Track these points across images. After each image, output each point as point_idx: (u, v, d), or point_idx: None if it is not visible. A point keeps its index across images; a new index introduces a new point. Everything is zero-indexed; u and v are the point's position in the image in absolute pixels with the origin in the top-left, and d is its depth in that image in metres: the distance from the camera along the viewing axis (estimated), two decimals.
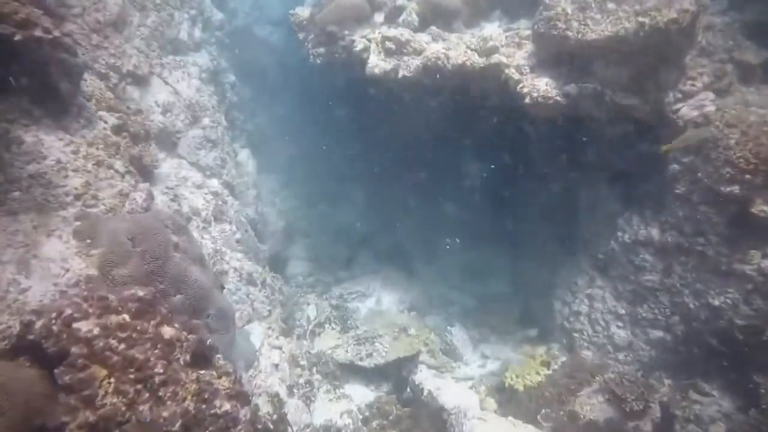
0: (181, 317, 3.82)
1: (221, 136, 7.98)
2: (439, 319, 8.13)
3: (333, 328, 7.35)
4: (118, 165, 5.36)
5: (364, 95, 7.48)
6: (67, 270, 4.01)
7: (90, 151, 5.09)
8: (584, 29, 4.95)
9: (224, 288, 5.67)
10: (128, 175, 5.48)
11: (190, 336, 3.61)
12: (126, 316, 3.20)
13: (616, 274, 6.38)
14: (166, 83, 7.29)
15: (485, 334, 7.87)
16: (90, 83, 5.73)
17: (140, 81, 6.85)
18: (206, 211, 6.62)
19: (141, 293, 3.45)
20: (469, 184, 9.04)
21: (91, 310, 3.08)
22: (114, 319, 3.13)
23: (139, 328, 3.19)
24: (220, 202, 7.10)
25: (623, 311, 6.19)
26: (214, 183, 7.28)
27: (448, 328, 7.30)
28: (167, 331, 3.39)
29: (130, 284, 4.10)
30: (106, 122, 5.54)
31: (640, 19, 4.65)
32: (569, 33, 5.03)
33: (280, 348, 5.55)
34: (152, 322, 3.34)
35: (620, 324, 6.20)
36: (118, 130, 5.64)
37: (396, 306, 7.95)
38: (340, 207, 10.49)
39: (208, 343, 3.78)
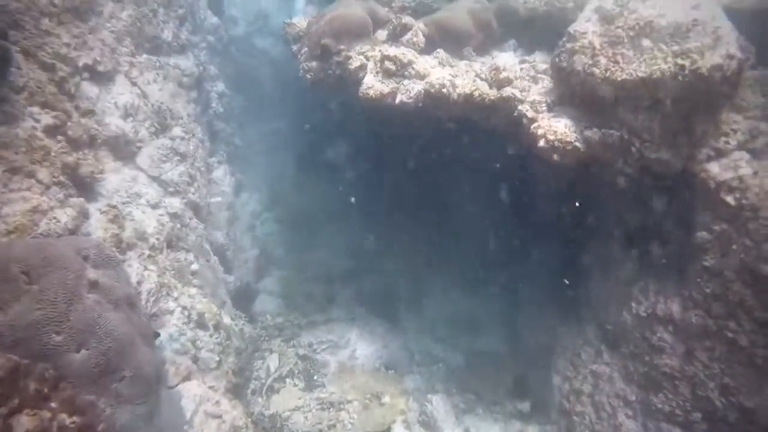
0: (65, 392, 2.87)
1: (193, 149, 7.10)
2: (421, 380, 7.13)
3: (296, 385, 6.35)
4: (42, 174, 4.46)
5: (355, 120, 6.72)
6: None
7: (2, 153, 4.19)
8: (614, 67, 4.13)
9: (158, 336, 4.71)
10: (56, 187, 4.58)
11: (71, 422, 2.65)
12: None
13: (627, 351, 5.44)
14: (134, 84, 6.44)
15: (471, 403, 6.86)
16: (27, 73, 4.85)
17: (100, 78, 5.98)
18: (158, 236, 5.67)
19: None
20: (465, 226, 8.17)
21: None
22: None
23: None
24: (178, 226, 6.18)
25: (634, 397, 5.23)
26: (176, 202, 6.36)
27: (429, 396, 6.30)
28: (24, 423, 2.44)
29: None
30: (37, 120, 4.67)
31: (680, 61, 3.84)
32: (596, 70, 4.21)
33: (219, 417, 4.55)
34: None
35: (629, 413, 5.23)
36: (51, 131, 4.77)
37: (372, 361, 6.96)
38: (326, 237, 9.55)
39: (100, 429, 2.82)
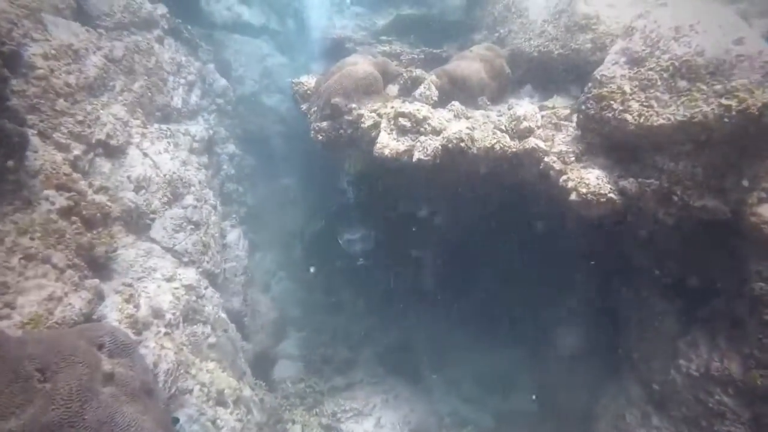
0: None
1: (206, 216, 6.95)
2: None
3: None
4: (57, 258, 4.28)
5: (369, 179, 6.59)
6: None
7: (19, 240, 4.03)
8: (648, 112, 3.93)
9: (177, 421, 4.41)
10: (71, 270, 4.40)
11: None
12: None
13: (679, 415, 5.01)
14: (146, 155, 6.37)
15: None
16: (42, 155, 4.77)
17: (113, 152, 5.92)
18: (173, 312, 5.44)
19: None
20: (489, 276, 7.85)
21: None
22: None
23: None
24: (194, 298, 5.95)
25: None
26: (191, 273, 6.16)
27: None
28: None
29: None
30: (52, 203, 4.53)
31: (725, 101, 3.62)
32: (628, 116, 4.02)
33: None
34: None
35: None
36: (66, 213, 4.62)
37: (399, 428, 6.55)
38: (341, 295, 9.23)
39: None
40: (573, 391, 6.73)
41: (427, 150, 5.14)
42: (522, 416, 7.36)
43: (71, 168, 5.10)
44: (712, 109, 3.65)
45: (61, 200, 4.60)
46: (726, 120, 3.60)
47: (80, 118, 5.47)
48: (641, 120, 3.92)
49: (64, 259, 4.39)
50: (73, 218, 4.68)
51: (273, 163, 11.50)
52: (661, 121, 3.84)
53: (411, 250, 7.37)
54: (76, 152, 5.27)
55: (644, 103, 3.95)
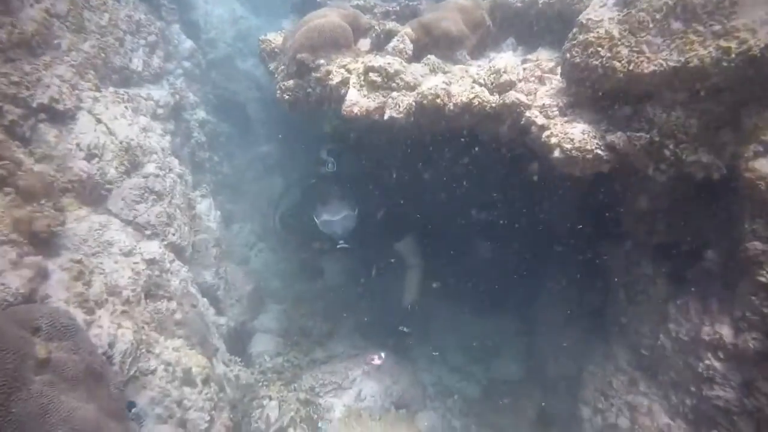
0: None
1: (170, 185, 6.51)
2: (435, 417, 6.50)
3: None
4: None
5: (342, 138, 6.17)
6: None
7: None
8: (638, 59, 3.53)
9: (133, 406, 4.10)
10: (6, 246, 3.99)
11: None
12: None
13: (668, 380, 4.80)
14: (99, 121, 5.87)
15: None
16: None
17: (60, 118, 5.42)
18: (133, 288, 5.07)
19: None
20: (473, 242, 7.56)
21: None
22: None
23: None
24: (157, 273, 5.57)
25: None
26: (153, 247, 5.76)
27: None
28: None
29: None
30: None
31: (723, 43, 3.22)
32: (616, 63, 3.61)
33: None
34: None
35: None
36: None
37: (381, 401, 6.30)
38: (324, 263, 8.89)
39: None
40: (560, 359, 6.54)
41: (399, 107, 4.73)
42: (508, 385, 7.20)
43: (5, 134, 4.65)
44: (709, 52, 3.24)
45: None
46: (724, 64, 3.20)
47: (15, 78, 4.96)
48: (631, 67, 3.52)
49: None
50: (7, 189, 4.25)
51: (250, 131, 11.02)
52: (653, 68, 3.44)
53: (396, 230, 6.80)
54: (11, 117, 4.79)
55: (634, 49, 3.54)
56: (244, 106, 10.79)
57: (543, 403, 6.58)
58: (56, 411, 3.11)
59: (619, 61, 3.57)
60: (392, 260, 7.13)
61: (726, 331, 4.22)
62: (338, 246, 6.15)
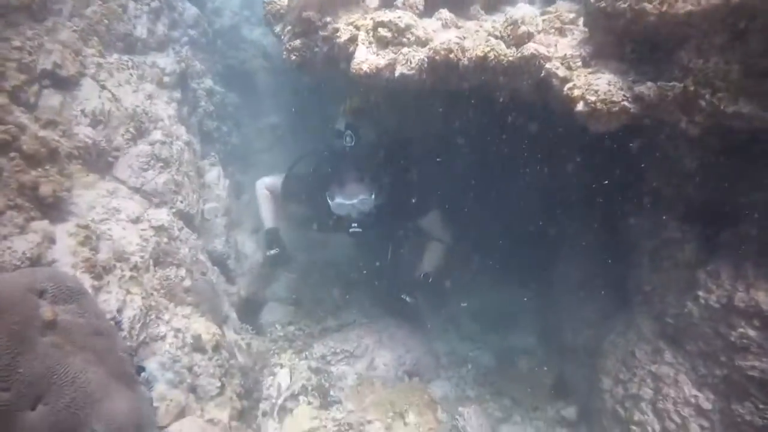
0: None
1: (178, 153, 6.38)
2: (449, 386, 6.39)
3: (310, 403, 5.65)
4: None
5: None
6: None
7: None
8: None
9: (143, 370, 4.04)
10: (13, 211, 3.90)
11: None
12: None
13: (695, 350, 4.59)
14: (104, 87, 5.73)
15: (507, 410, 6.09)
16: None
17: (63, 84, 5.28)
18: (141, 254, 4.99)
19: None
20: (488, 208, 7.31)
21: None
22: None
23: None
24: (165, 240, 5.48)
25: (709, 405, 4.39)
26: (162, 214, 5.66)
27: (460, 409, 5.55)
28: None
29: None
30: None
31: None
32: (647, 6, 3.32)
33: None
34: None
35: (705, 424, 4.39)
36: (2, 148, 4.08)
37: (394, 370, 6.20)
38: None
39: None
40: (578, 327, 6.36)
41: (411, 63, 4.48)
42: (524, 354, 7.06)
43: (9, 99, 4.52)
44: None
45: None
46: None
47: (17, 43, 4.81)
48: (664, 8, 3.23)
49: (4, 200, 3.91)
50: (12, 154, 4.14)
51: (258, 101, 10.82)
52: (689, 8, 3.14)
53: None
54: (15, 82, 4.64)
55: None
56: (252, 76, 10.58)
57: (559, 373, 6.42)
58: (63, 372, 3.05)
59: (651, 2, 3.28)
60: (410, 239, 6.87)
61: (763, 298, 3.98)
62: (351, 230, 5.71)
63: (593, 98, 3.56)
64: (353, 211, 5.64)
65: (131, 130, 5.79)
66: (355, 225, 5.67)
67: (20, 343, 2.93)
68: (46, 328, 3.15)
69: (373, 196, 5.60)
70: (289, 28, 5.65)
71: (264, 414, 5.56)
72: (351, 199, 5.54)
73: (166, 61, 7.46)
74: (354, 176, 5.56)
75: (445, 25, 4.78)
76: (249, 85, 10.47)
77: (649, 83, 3.48)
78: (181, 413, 4.21)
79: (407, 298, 6.37)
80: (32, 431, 2.83)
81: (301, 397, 5.73)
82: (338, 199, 5.58)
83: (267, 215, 6.94)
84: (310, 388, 5.80)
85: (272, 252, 6.52)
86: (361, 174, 5.57)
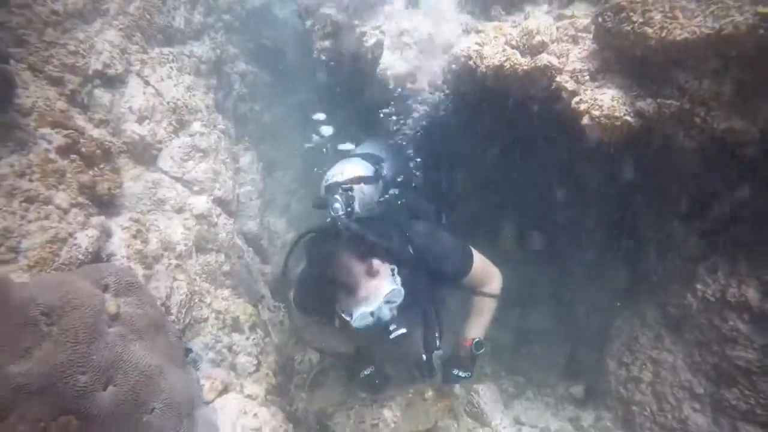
0: None
1: (215, 141, 6.86)
2: None
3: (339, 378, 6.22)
4: (61, 198, 4.32)
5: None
6: None
7: (18, 183, 4.05)
8: (671, 25, 3.44)
9: (190, 352, 4.61)
10: (76, 209, 4.43)
11: None
12: None
13: (692, 338, 4.93)
14: (147, 83, 6.19)
15: (520, 387, 6.56)
16: (35, 92, 4.67)
17: (112, 82, 5.76)
18: (185, 243, 5.54)
19: None
20: (506, 192, 7.58)
21: None
22: None
23: None
24: (206, 227, 6.02)
25: (702, 390, 4.76)
26: (202, 202, 6.18)
27: (474, 386, 6.02)
28: None
29: (25, 388, 3.07)
30: (49, 142, 4.48)
31: (762, 9, 3.11)
32: (648, 30, 3.53)
33: (258, 430, 4.45)
34: None
35: (697, 406, 4.78)
36: (65, 151, 4.59)
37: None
38: None
39: None
40: (589, 313, 6.70)
41: (432, 68, 4.78)
42: (540, 334, 7.43)
43: (68, 103, 5.01)
44: (746, 18, 3.14)
45: (59, 138, 4.54)
46: (762, 31, 3.11)
47: (72, 48, 5.26)
48: (663, 34, 3.44)
49: (67, 199, 4.41)
50: (73, 156, 4.65)
51: (289, 79, 11.13)
52: (685, 35, 3.35)
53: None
54: (72, 86, 5.13)
55: (668, 15, 3.43)
56: (284, 53, 10.86)
57: (572, 353, 6.81)
58: (128, 359, 3.60)
59: (652, 27, 3.49)
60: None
61: (752, 294, 4.29)
62: (392, 336, 4.10)
63: (597, 113, 3.82)
64: (385, 314, 3.96)
65: (173, 123, 6.27)
66: (395, 326, 4.08)
67: (93, 334, 3.48)
68: (112, 320, 3.70)
69: (397, 276, 4.02)
70: (319, 27, 5.95)
71: (297, 387, 6.15)
72: (372, 304, 3.83)
73: (202, 49, 7.85)
74: (360, 268, 3.87)
75: (465, 30, 5.00)
76: (280, 64, 10.78)
77: (649, 99, 3.72)
78: (225, 390, 4.77)
79: (461, 374, 5.09)
80: (105, 408, 3.41)
81: (330, 372, 6.28)
82: (356, 311, 3.86)
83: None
84: (338, 363, 6.35)
85: (366, 372, 5.11)
86: (366, 252, 3.91)
